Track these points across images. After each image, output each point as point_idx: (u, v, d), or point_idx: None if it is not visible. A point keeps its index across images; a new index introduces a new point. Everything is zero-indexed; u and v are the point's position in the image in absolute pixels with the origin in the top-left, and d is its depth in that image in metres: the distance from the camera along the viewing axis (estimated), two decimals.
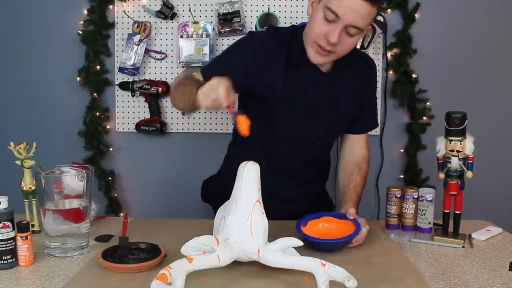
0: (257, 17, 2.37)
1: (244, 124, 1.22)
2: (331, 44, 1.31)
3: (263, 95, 1.45)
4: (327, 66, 1.47)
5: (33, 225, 1.41)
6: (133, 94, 2.39)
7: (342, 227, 1.34)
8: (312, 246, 1.27)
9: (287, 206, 1.58)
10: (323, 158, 1.67)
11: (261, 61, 1.41)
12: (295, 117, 1.49)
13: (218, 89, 1.19)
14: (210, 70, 1.44)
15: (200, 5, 2.38)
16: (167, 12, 2.35)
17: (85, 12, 2.37)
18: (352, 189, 1.51)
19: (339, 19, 1.28)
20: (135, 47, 2.36)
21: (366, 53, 2.34)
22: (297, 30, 1.47)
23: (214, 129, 2.44)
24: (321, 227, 1.35)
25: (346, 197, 1.50)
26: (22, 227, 1.19)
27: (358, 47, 2.31)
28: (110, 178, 2.47)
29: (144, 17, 2.39)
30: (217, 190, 1.56)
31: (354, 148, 1.61)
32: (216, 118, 2.44)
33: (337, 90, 1.50)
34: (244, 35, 1.53)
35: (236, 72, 1.36)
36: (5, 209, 1.17)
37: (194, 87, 1.29)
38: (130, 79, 2.41)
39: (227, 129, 2.40)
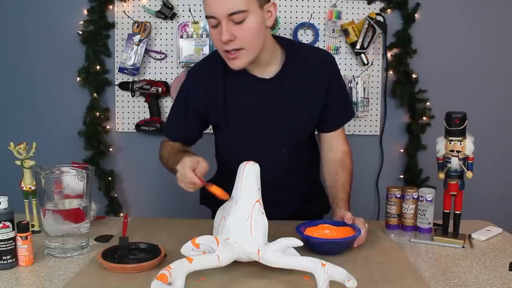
0: None
1: (218, 191, 1.26)
2: (227, 42, 1.31)
3: (217, 123, 1.53)
4: (272, 69, 1.46)
5: (33, 225, 1.41)
6: (133, 94, 2.39)
7: (341, 233, 1.33)
8: (313, 248, 1.26)
9: (279, 211, 1.55)
10: (304, 158, 1.63)
11: (204, 95, 1.48)
12: (251, 132, 1.50)
13: (187, 175, 1.27)
14: (170, 129, 1.59)
15: (200, 5, 2.37)
16: (167, 12, 2.35)
17: (85, 12, 2.37)
18: (341, 189, 1.50)
19: (217, 18, 1.29)
20: (135, 47, 2.36)
21: (366, 53, 2.36)
22: None
23: None
24: (320, 234, 1.33)
25: (336, 199, 1.49)
26: (22, 227, 1.19)
27: (358, 47, 2.32)
28: (110, 178, 2.47)
29: (144, 17, 2.39)
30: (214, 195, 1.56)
31: (333, 145, 1.58)
32: None
33: (286, 93, 1.47)
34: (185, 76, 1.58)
35: (190, 121, 1.52)
36: (5, 209, 1.17)
37: (175, 160, 1.40)
38: (130, 79, 2.41)
39: None
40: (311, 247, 1.26)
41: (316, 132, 1.64)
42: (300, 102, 1.48)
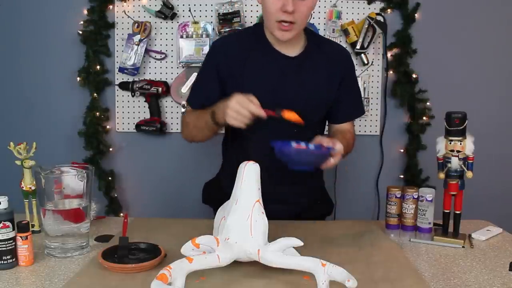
0: (257, 17, 2.37)
1: (293, 116, 1.32)
2: (290, 12, 1.38)
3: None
4: (296, 49, 1.52)
5: (33, 225, 1.41)
6: (133, 94, 2.39)
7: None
8: (285, 156, 1.29)
9: (283, 207, 1.55)
10: None
11: (225, 67, 1.52)
12: (265, 104, 1.47)
13: (249, 99, 1.32)
14: (195, 98, 1.60)
15: (200, 5, 2.38)
16: (167, 12, 2.35)
17: (85, 12, 2.37)
18: (339, 136, 1.54)
19: None
20: (135, 47, 2.36)
21: (366, 53, 2.36)
22: (259, 25, 1.57)
23: None
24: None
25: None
26: (22, 227, 1.19)
27: (358, 47, 2.33)
28: (110, 178, 2.46)
29: (144, 17, 2.39)
30: (217, 193, 1.56)
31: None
32: None
33: (306, 73, 1.53)
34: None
35: (214, 89, 1.53)
36: (5, 209, 1.17)
37: (205, 114, 1.45)
38: (130, 79, 2.41)
39: None
40: (284, 158, 1.29)
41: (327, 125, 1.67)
42: (316, 85, 1.53)
